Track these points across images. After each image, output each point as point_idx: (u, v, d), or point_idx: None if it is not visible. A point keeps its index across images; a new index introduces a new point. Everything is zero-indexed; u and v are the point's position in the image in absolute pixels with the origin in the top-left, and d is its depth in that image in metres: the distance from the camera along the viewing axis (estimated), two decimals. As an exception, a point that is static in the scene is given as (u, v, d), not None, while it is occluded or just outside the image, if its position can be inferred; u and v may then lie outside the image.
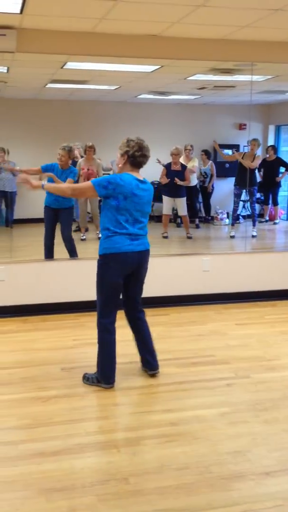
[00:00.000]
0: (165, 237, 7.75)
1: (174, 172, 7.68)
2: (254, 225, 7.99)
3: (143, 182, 3.80)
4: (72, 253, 6.09)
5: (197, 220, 8.72)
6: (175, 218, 8.35)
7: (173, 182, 7.65)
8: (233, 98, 8.21)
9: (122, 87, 7.54)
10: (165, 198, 7.90)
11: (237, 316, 5.62)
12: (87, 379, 3.95)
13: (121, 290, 3.90)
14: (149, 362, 4.07)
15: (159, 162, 7.66)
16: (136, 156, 3.74)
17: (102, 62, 5.78)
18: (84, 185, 3.87)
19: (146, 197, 3.82)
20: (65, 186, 4.08)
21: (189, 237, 7.79)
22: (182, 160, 7.96)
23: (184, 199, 7.81)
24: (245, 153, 7.79)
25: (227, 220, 8.82)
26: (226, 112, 8.84)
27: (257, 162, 7.84)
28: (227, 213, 8.78)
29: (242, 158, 7.69)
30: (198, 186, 8.90)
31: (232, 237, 7.98)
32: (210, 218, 9.10)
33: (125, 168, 3.81)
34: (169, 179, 7.64)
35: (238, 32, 5.22)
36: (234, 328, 5.23)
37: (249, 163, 7.60)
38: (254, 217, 8.07)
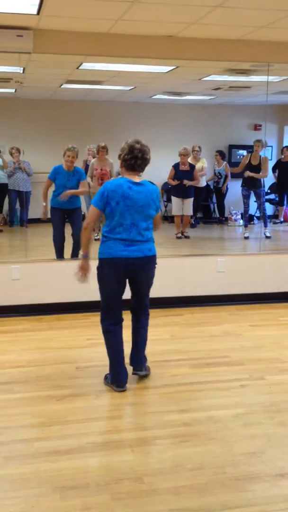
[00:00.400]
0: (179, 238, 7.78)
1: (183, 172, 7.70)
2: (266, 225, 7.99)
3: (138, 184, 3.67)
4: (77, 253, 6.13)
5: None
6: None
7: (181, 182, 7.67)
8: (249, 98, 8.19)
9: (137, 88, 7.55)
10: (174, 199, 7.95)
11: (251, 318, 5.60)
12: (105, 378, 3.95)
13: (119, 294, 3.79)
14: (133, 359, 3.97)
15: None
16: (126, 160, 3.68)
17: (118, 62, 5.81)
18: (90, 213, 3.74)
19: (142, 199, 3.65)
20: (85, 234, 3.80)
21: (186, 237, 7.83)
22: (190, 160, 7.97)
23: (192, 199, 7.85)
24: (250, 155, 7.80)
25: (241, 221, 8.81)
26: (241, 113, 8.82)
27: (267, 169, 7.86)
28: (241, 214, 8.76)
29: (249, 160, 7.73)
30: (212, 187, 8.90)
31: (246, 238, 7.97)
32: (224, 219, 9.09)
33: (122, 171, 3.77)
34: (177, 180, 7.67)
35: (255, 32, 5.20)
36: (248, 329, 5.22)
37: (261, 175, 7.69)
38: (265, 218, 8.06)
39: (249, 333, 5.12)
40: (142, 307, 4.00)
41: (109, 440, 3.18)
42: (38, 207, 7.65)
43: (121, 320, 3.88)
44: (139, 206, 3.66)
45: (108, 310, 3.84)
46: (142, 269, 3.76)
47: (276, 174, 8.82)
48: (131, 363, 3.99)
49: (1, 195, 7.87)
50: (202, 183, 8.43)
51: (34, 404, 3.63)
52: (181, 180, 7.70)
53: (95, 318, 5.34)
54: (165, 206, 8.75)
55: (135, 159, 3.66)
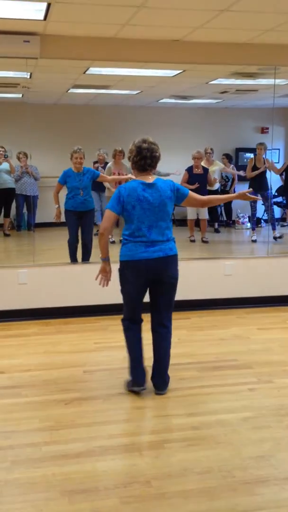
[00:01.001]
0: (192, 241, 7.77)
1: (197, 176, 7.67)
2: (274, 228, 7.97)
3: (151, 185, 3.62)
4: (88, 256, 6.14)
5: (216, 224, 8.69)
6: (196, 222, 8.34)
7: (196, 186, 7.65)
8: (255, 101, 8.19)
9: (144, 92, 7.57)
10: None
11: (260, 321, 5.58)
12: (126, 383, 3.89)
13: (141, 296, 3.75)
14: (155, 379, 3.84)
15: (177, 172, 7.67)
16: (135, 162, 3.65)
17: (125, 67, 5.83)
18: (106, 217, 3.66)
19: (158, 199, 3.61)
20: (102, 240, 3.76)
21: (205, 241, 7.78)
22: (203, 163, 7.96)
23: None
24: (254, 158, 7.81)
25: (248, 224, 8.79)
26: (248, 116, 8.82)
27: (275, 166, 7.90)
28: (249, 217, 8.75)
29: (254, 163, 7.78)
30: (219, 190, 8.88)
31: (254, 241, 7.95)
32: (231, 222, 9.07)
33: (134, 173, 3.74)
34: (191, 184, 7.60)
35: (262, 36, 5.20)
36: (257, 333, 5.20)
37: (275, 169, 7.73)
38: (273, 221, 8.04)
39: (257, 336, 5.10)
40: (165, 321, 3.81)
41: (118, 444, 3.17)
42: (45, 212, 7.69)
43: (141, 320, 3.84)
44: (156, 206, 3.61)
45: (129, 310, 3.82)
46: (165, 269, 3.68)
47: (284, 177, 8.80)
48: (154, 384, 3.84)
49: (8, 200, 7.89)
50: (215, 186, 8.40)
51: (42, 408, 3.63)
52: (195, 184, 7.64)
53: (103, 322, 5.39)
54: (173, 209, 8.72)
55: (145, 159, 3.62)
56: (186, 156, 8.03)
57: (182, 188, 3.78)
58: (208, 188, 7.92)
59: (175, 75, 6.31)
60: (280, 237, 7.91)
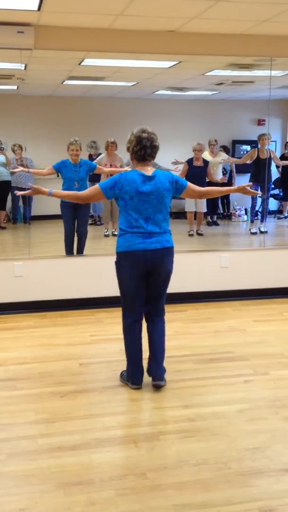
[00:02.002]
0: (191, 235, 7.66)
1: (197, 168, 7.57)
2: (264, 220, 7.95)
3: (150, 178, 3.60)
4: (82, 248, 6.12)
5: (214, 217, 8.66)
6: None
7: (195, 178, 7.54)
8: (252, 93, 8.16)
9: (140, 84, 7.53)
10: None
11: (256, 313, 5.58)
12: (121, 375, 3.92)
13: (139, 290, 3.70)
14: (152, 370, 3.82)
15: (177, 162, 7.58)
16: (135, 152, 3.62)
17: (120, 58, 5.79)
18: (93, 190, 3.68)
19: (156, 191, 3.59)
20: (74, 192, 3.91)
21: (200, 234, 7.73)
22: (207, 155, 7.85)
23: None
24: (257, 149, 7.73)
25: (245, 217, 8.78)
26: (244, 108, 8.79)
27: (277, 158, 7.87)
28: (245, 210, 8.73)
29: (258, 154, 7.66)
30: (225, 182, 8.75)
31: (254, 233, 7.86)
32: (229, 214, 9.06)
33: (134, 163, 3.71)
34: (191, 176, 7.51)
35: (257, 27, 5.17)
36: (253, 325, 5.21)
37: (279, 161, 7.68)
38: (265, 213, 8.01)
39: (253, 328, 5.10)
40: (157, 310, 3.83)
41: (113, 436, 3.17)
42: (41, 204, 7.66)
43: (142, 317, 3.81)
44: (154, 199, 3.60)
45: (129, 307, 3.76)
46: (161, 260, 3.67)
47: (280, 169, 8.79)
48: (150, 373, 3.83)
49: (4, 193, 7.86)
50: (217, 177, 8.25)
51: (38, 400, 3.63)
52: (195, 176, 7.55)
53: (99, 315, 5.38)
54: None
55: (145, 148, 3.59)
56: (183, 148, 8.00)
57: (180, 179, 3.77)
58: (208, 180, 7.82)
59: (171, 66, 6.28)
60: (265, 232, 7.78)
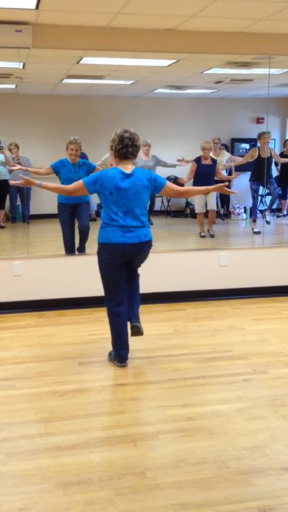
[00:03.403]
0: (203, 237, 7.43)
1: (206, 167, 7.39)
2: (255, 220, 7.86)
3: (129, 175, 3.89)
4: (84, 242, 6.07)
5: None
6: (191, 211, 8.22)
7: (204, 178, 7.22)
8: (250, 91, 8.15)
9: (138, 82, 7.52)
10: (196, 196, 7.53)
11: (255, 311, 5.58)
12: (109, 354, 4.25)
13: (120, 276, 4.03)
14: (129, 312, 4.20)
15: (182, 160, 7.48)
16: (117, 150, 3.92)
17: (118, 57, 5.77)
18: (77, 184, 4.00)
19: (134, 188, 3.88)
20: (62, 186, 4.24)
21: (211, 235, 7.46)
22: (210, 154, 7.75)
23: (215, 193, 7.51)
24: (258, 148, 7.65)
25: (244, 215, 8.76)
26: (243, 106, 8.78)
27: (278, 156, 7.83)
28: (244, 208, 8.72)
29: (259, 153, 7.55)
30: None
31: (257, 233, 7.58)
32: (228, 212, 9.04)
33: (116, 161, 3.99)
34: (200, 175, 7.29)
35: (255, 25, 5.17)
36: (252, 323, 5.20)
37: (279, 159, 7.67)
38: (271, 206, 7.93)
39: (252, 327, 5.10)
40: (135, 273, 4.27)
41: (112, 435, 3.17)
42: (40, 203, 7.66)
43: (124, 301, 4.10)
44: (132, 194, 3.90)
45: (111, 292, 4.08)
46: (138, 253, 4.03)
47: (279, 167, 8.78)
48: (128, 318, 4.20)
49: (3, 192, 7.85)
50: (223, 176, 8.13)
51: (37, 400, 3.63)
52: (203, 175, 7.29)
53: (98, 314, 5.37)
54: (162, 202, 8.52)
55: (126, 147, 3.90)
56: (181, 146, 8.01)
57: (159, 178, 4.03)
58: (217, 178, 7.68)
59: (170, 64, 6.27)
60: (257, 232, 7.68)
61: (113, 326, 4.14)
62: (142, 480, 2.72)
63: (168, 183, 4.05)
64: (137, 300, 4.28)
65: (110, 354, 4.26)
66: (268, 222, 7.78)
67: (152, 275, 5.42)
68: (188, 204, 8.65)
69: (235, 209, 8.98)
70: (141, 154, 7.40)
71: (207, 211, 7.62)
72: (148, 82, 7.56)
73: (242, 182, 8.21)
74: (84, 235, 6.09)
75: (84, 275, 5.68)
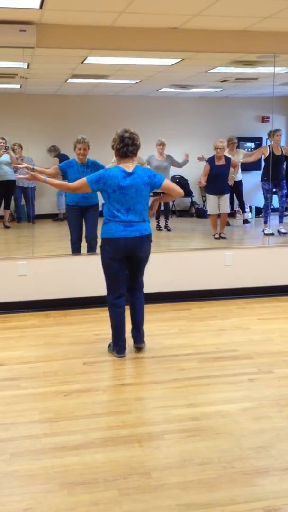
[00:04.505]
0: (217, 239, 7.25)
1: (219, 168, 7.23)
2: (281, 221, 7.65)
3: (130, 174, 4.06)
4: (92, 250, 6.03)
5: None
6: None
7: (217, 178, 7.21)
8: (256, 90, 8.12)
9: (143, 81, 7.51)
10: (209, 197, 7.45)
11: (260, 311, 5.57)
12: (108, 346, 4.41)
13: (121, 271, 4.19)
14: (133, 335, 4.41)
15: (202, 158, 7.30)
16: (118, 149, 4.09)
17: (123, 56, 5.77)
18: (81, 181, 4.14)
19: (135, 185, 4.05)
20: (66, 183, 4.38)
21: (223, 237, 7.28)
22: (226, 153, 7.53)
23: (228, 195, 7.42)
24: (270, 146, 7.53)
25: (249, 214, 8.73)
26: (248, 105, 8.75)
27: None
28: (250, 207, 8.69)
29: (272, 151, 7.38)
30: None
31: (270, 234, 7.33)
32: (233, 211, 9.00)
33: (117, 160, 4.16)
34: (214, 176, 7.18)
35: (260, 23, 5.15)
36: (257, 323, 5.19)
37: None
38: (282, 213, 7.69)
39: (257, 326, 5.08)
40: (137, 284, 4.38)
41: (117, 435, 3.16)
42: (44, 203, 7.67)
43: (124, 294, 4.29)
44: (133, 192, 4.07)
45: (112, 285, 4.25)
46: (140, 245, 4.17)
47: (284, 166, 8.73)
48: (133, 338, 4.42)
49: (9, 192, 7.86)
50: (238, 176, 7.99)
51: (42, 399, 3.63)
52: (217, 176, 7.19)
53: (103, 314, 5.36)
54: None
55: (127, 146, 4.06)
56: (186, 145, 7.98)
57: (158, 175, 4.21)
58: (234, 175, 7.53)
59: (174, 64, 6.26)
60: (285, 233, 7.52)
61: (112, 317, 4.30)
62: (147, 480, 2.72)
63: (167, 181, 4.25)
64: (141, 318, 4.43)
65: (109, 345, 4.41)
66: (282, 233, 7.58)
67: (157, 274, 5.42)
68: (193, 203, 8.63)
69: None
70: (155, 154, 7.38)
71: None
72: (153, 81, 7.55)
73: (248, 181, 8.19)
74: (91, 242, 5.93)
75: (89, 275, 5.68)
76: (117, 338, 4.30)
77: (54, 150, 7.93)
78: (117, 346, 4.30)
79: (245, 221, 8.09)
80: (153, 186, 4.18)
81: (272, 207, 8.26)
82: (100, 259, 4.24)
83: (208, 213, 7.57)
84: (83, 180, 4.13)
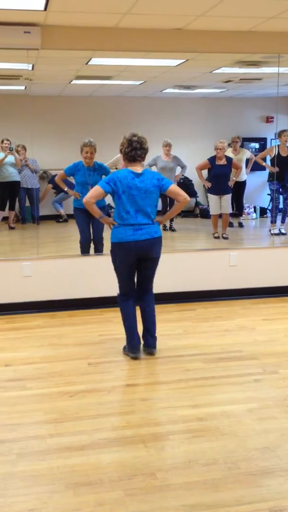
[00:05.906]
0: (216, 238, 7.31)
1: (220, 168, 7.23)
2: (283, 221, 7.66)
3: (139, 175, 4.09)
4: (99, 252, 6.02)
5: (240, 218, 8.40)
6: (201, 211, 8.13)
7: (218, 178, 7.21)
8: (260, 90, 8.12)
9: (147, 82, 7.51)
10: (211, 197, 7.45)
11: (265, 311, 5.56)
12: (124, 348, 4.40)
13: (131, 272, 4.25)
14: (146, 339, 4.38)
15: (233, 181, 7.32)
16: (127, 153, 4.13)
17: (127, 57, 5.77)
18: (95, 189, 4.10)
19: (144, 187, 4.08)
20: (87, 205, 4.13)
21: (225, 238, 7.31)
22: (229, 152, 7.51)
23: (230, 196, 7.39)
24: (277, 146, 7.51)
25: (254, 215, 8.72)
26: (252, 105, 8.74)
27: None
28: (254, 207, 8.68)
29: (278, 151, 7.39)
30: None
31: (276, 234, 7.35)
32: (237, 212, 8.98)
33: (125, 163, 4.19)
34: (214, 176, 7.18)
35: (264, 24, 5.14)
36: (262, 323, 5.18)
37: None
38: (285, 213, 7.71)
39: (263, 327, 5.08)
40: (148, 289, 4.39)
41: (122, 436, 3.17)
42: (48, 204, 7.68)
43: (134, 294, 4.33)
44: (143, 193, 4.10)
45: (122, 285, 4.31)
46: (151, 249, 4.18)
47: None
48: (145, 344, 4.38)
49: (13, 193, 7.87)
50: (243, 176, 7.94)
51: (47, 400, 3.63)
52: (218, 176, 7.20)
53: (107, 314, 5.38)
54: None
55: (135, 150, 4.10)
56: (191, 146, 7.98)
57: (166, 179, 4.23)
58: (237, 176, 7.47)
59: (178, 64, 6.26)
60: (284, 234, 7.53)
61: (123, 315, 4.33)
62: (152, 480, 2.72)
63: (174, 185, 4.24)
64: (153, 323, 4.40)
65: (124, 348, 4.40)
66: (282, 233, 7.60)
67: (162, 275, 5.41)
68: (197, 204, 8.63)
69: (245, 209, 8.94)
70: (161, 155, 7.36)
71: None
72: (157, 82, 7.55)
73: (253, 182, 8.17)
74: (98, 245, 5.92)
75: (94, 275, 5.69)
76: (130, 337, 4.30)
77: (46, 176, 7.98)
78: (131, 347, 4.29)
79: (240, 225, 8.03)
80: (160, 189, 4.19)
81: (269, 207, 8.26)
82: (111, 261, 4.27)
83: (210, 213, 7.58)
84: (96, 187, 4.11)
